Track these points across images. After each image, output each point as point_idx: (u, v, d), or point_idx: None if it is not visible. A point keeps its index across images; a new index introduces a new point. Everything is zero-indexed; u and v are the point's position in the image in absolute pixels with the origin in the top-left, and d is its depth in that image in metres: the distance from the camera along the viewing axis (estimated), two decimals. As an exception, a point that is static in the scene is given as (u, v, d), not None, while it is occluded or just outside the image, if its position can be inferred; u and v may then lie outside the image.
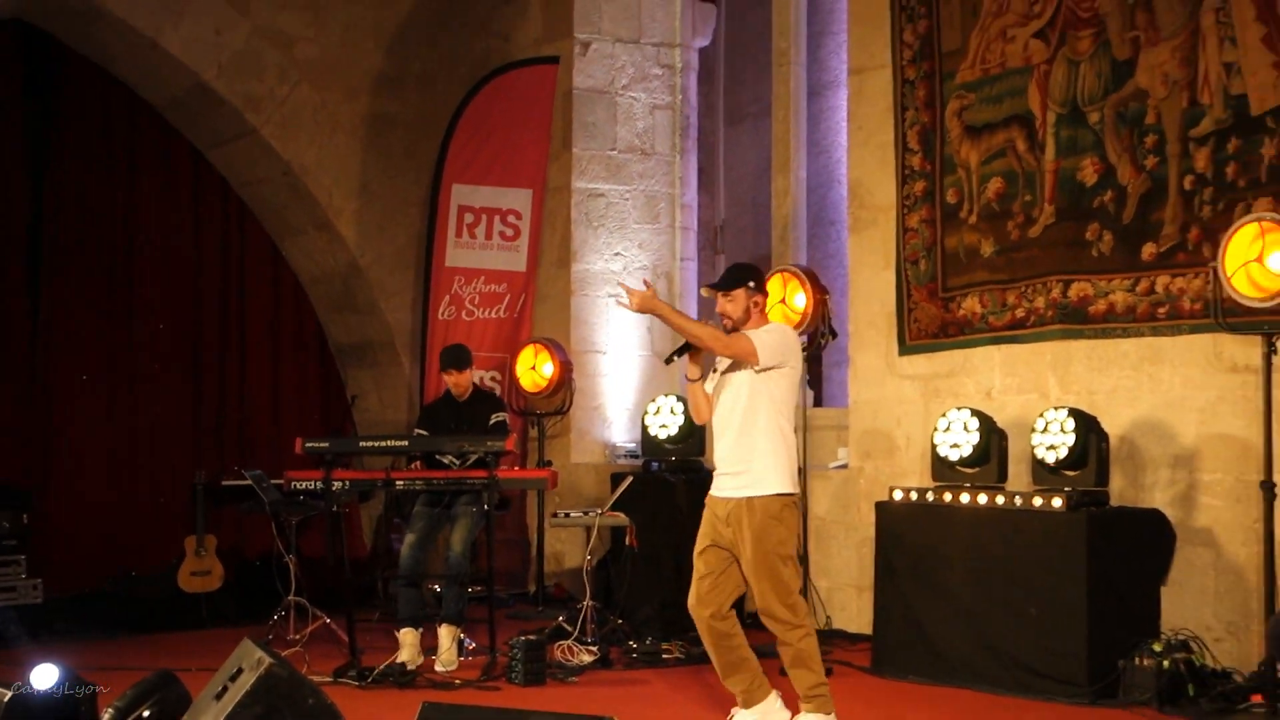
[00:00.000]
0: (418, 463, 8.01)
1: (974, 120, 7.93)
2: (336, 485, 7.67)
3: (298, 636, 8.13)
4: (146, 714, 4.97)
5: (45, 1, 10.03)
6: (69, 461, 10.41)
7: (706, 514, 5.97)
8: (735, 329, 5.82)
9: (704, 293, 6.20)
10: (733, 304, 5.85)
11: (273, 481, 8.40)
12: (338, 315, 11.57)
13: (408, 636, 7.58)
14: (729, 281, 5.92)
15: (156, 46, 10.34)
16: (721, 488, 5.88)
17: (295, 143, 10.93)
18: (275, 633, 8.17)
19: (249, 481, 8.62)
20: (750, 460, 5.75)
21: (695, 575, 5.98)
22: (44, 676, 5.53)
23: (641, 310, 5.86)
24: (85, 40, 10.54)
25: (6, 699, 5.67)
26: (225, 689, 5.29)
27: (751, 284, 5.90)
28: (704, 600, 5.90)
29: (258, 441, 10.97)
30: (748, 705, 5.90)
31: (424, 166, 11.21)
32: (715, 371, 5.99)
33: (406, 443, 7.90)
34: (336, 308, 11.54)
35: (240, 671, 5.32)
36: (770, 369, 5.72)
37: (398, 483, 7.67)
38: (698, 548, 5.99)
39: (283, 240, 11.53)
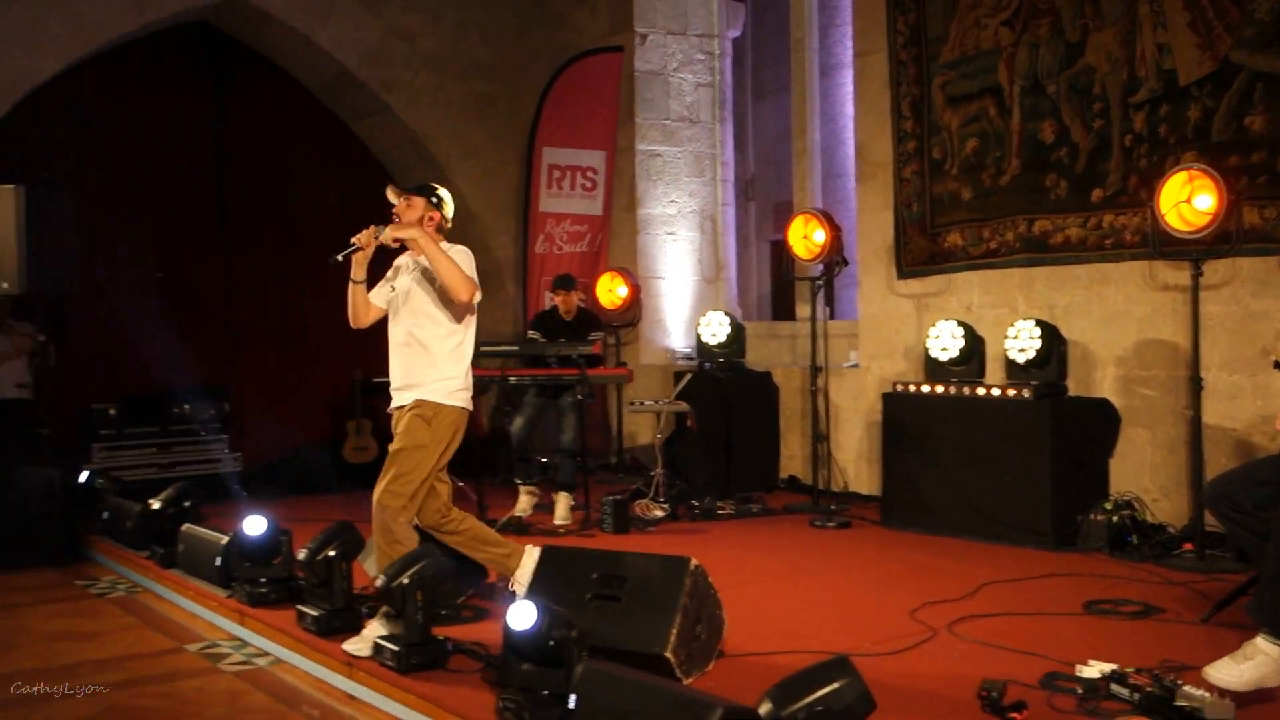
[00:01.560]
0: (536, 333, 8.00)
1: (954, 92, 7.77)
2: (466, 381, 7.69)
3: (437, 496, 8.20)
4: (332, 553, 5.01)
5: (225, 8, 9.94)
6: (258, 364, 10.49)
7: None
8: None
9: (389, 195, 4.92)
10: (411, 210, 4.76)
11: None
12: (455, 250, 11.54)
13: (524, 495, 7.63)
14: (415, 189, 4.88)
15: (311, 42, 10.25)
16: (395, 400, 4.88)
17: (419, 116, 10.84)
18: (419, 494, 8.23)
19: (396, 379, 8.62)
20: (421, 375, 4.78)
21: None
22: (254, 524, 5.64)
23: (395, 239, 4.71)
24: (256, 38, 10.46)
25: (225, 541, 5.78)
26: (391, 536, 5.36)
27: (434, 200, 4.84)
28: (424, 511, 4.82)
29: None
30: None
31: (519, 134, 11.11)
32: (386, 282, 4.94)
33: (517, 348, 7.86)
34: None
35: (402, 523, 5.38)
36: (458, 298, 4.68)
37: (511, 379, 7.69)
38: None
39: (412, 193, 11.47)
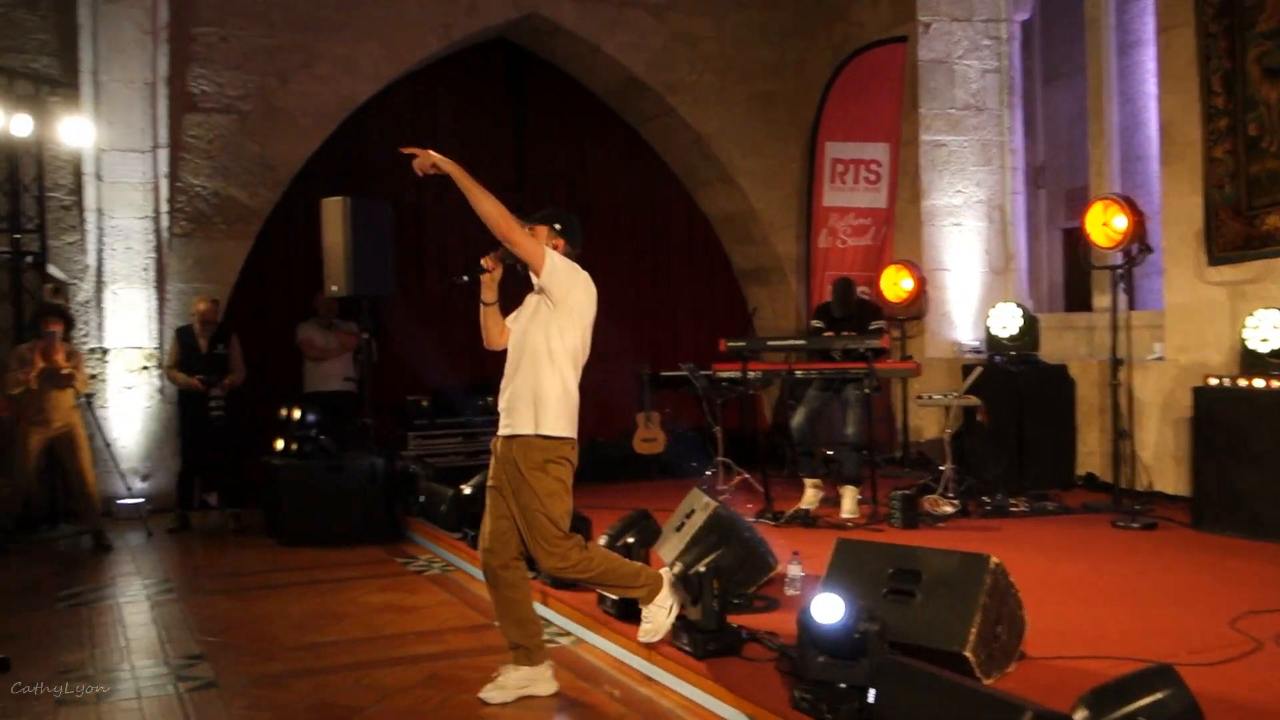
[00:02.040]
0: (819, 322, 7.89)
1: (1273, 63, 7.11)
2: (752, 374, 7.73)
3: (725, 488, 8.28)
4: (630, 539, 5.12)
5: (520, 23, 10.39)
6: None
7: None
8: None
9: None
10: (534, 236, 4.32)
11: (701, 372, 8.52)
12: (739, 246, 11.60)
13: (810, 488, 7.57)
14: (539, 217, 4.42)
15: (599, 50, 10.56)
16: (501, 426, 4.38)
17: (703, 117, 10.96)
18: (708, 485, 8.32)
19: (683, 372, 8.77)
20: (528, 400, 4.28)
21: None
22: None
23: (425, 168, 4.32)
24: (548, 49, 10.87)
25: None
26: (682, 524, 5.43)
27: (557, 225, 4.41)
28: (493, 550, 4.36)
29: (683, 342, 11.17)
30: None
31: (801, 130, 11.05)
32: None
33: (804, 341, 7.79)
34: (738, 241, 11.57)
35: (693, 512, 5.44)
36: (555, 301, 4.27)
37: (797, 372, 7.64)
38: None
39: (695, 191, 11.62)
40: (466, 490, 7.02)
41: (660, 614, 4.41)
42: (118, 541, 7.79)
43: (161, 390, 8.88)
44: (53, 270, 8.72)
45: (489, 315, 4.45)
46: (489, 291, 4.43)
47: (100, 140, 8.71)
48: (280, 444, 7.99)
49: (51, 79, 8.73)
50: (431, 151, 4.27)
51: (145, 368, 8.90)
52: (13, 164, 8.54)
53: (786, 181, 11.19)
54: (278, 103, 9.42)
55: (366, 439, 8.21)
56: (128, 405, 8.85)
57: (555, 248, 4.35)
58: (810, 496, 7.53)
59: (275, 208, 9.50)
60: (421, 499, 7.75)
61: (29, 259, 8.59)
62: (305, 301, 9.33)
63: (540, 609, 5.54)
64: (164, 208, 8.97)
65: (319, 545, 7.50)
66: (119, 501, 8.46)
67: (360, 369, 8.63)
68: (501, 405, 4.36)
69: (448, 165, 4.22)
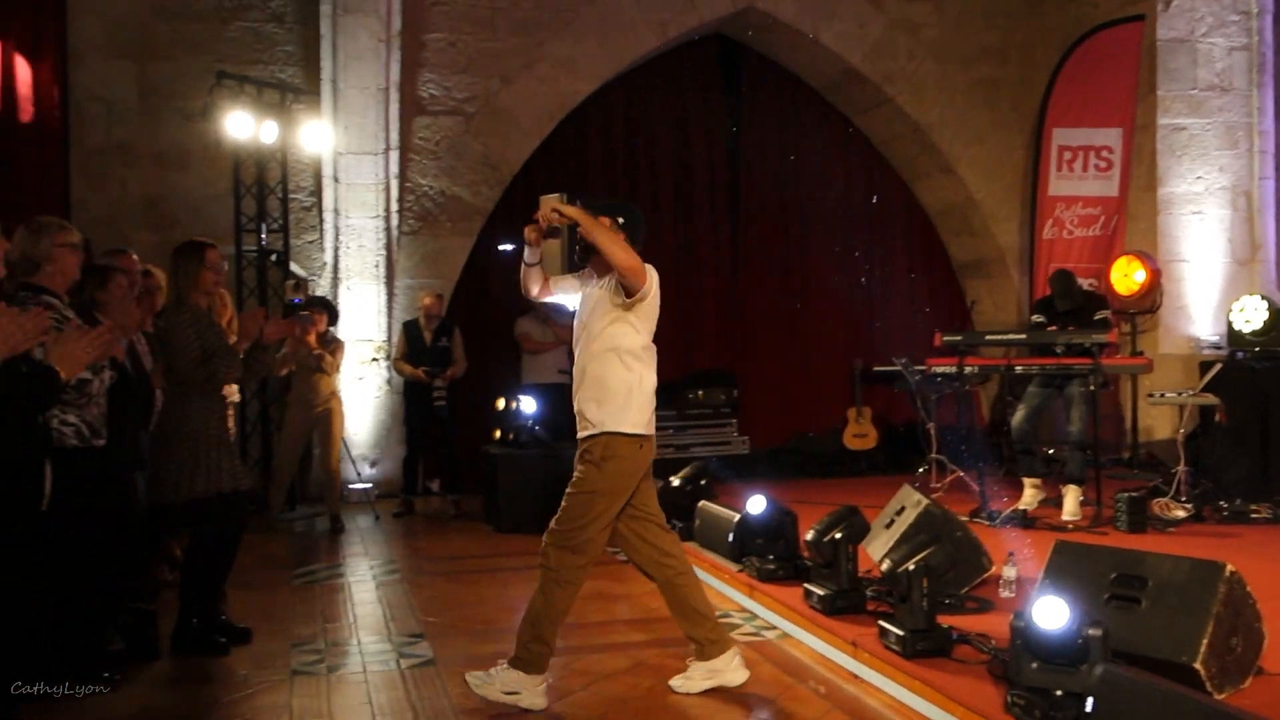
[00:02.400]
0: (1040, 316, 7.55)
1: None
2: (968, 369, 7.47)
3: (938, 485, 8.05)
4: (838, 535, 5.04)
5: (737, 18, 10.37)
6: (761, 352, 10.86)
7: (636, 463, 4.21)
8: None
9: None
10: (600, 223, 4.15)
11: (915, 367, 8.30)
12: (956, 238, 11.24)
13: (1029, 488, 7.27)
14: (603, 207, 4.26)
15: (816, 42, 10.43)
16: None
17: (922, 106, 10.68)
18: (920, 482, 8.10)
19: (897, 367, 8.56)
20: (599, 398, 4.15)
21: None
22: (756, 504, 5.82)
23: (548, 217, 4.15)
24: (763, 43, 10.82)
25: (736, 518, 6.01)
26: (892, 521, 5.31)
27: (620, 219, 4.21)
28: (632, 557, 4.41)
29: (896, 336, 10.91)
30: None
31: (1026, 117, 10.62)
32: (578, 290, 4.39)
33: (1024, 336, 7.46)
34: (956, 232, 11.22)
35: (903, 509, 5.32)
36: (633, 304, 4.13)
37: (1017, 368, 7.34)
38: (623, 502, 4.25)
39: (913, 183, 11.33)
40: (675, 481, 7.07)
41: (701, 677, 4.23)
42: (349, 524, 8.23)
43: (389, 381, 9.32)
44: (294, 267, 9.29)
45: (530, 274, 4.40)
46: (532, 254, 4.33)
47: (338, 144, 9.22)
48: (498, 434, 8.24)
49: (295, 87, 9.30)
50: (552, 199, 4.17)
51: (374, 360, 9.37)
52: (260, 168, 9.15)
53: (1009, 170, 10.78)
54: (500, 104, 9.74)
55: (580, 430, 8.38)
56: (359, 395, 9.33)
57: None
58: (1029, 497, 7.23)
59: (496, 205, 9.82)
60: (633, 489, 7.84)
61: (273, 257, 9.18)
62: (521, 295, 9.58)
63: (746, 602, 5.55)
64: (394, 207, 9.42)
65: (533, 532, 7.65)
66: (350, 486, 8.94)
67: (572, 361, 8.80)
68: (576, 408, 4.23)
69: (571, 211, 4.12)
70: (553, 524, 4.16)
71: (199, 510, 4.74)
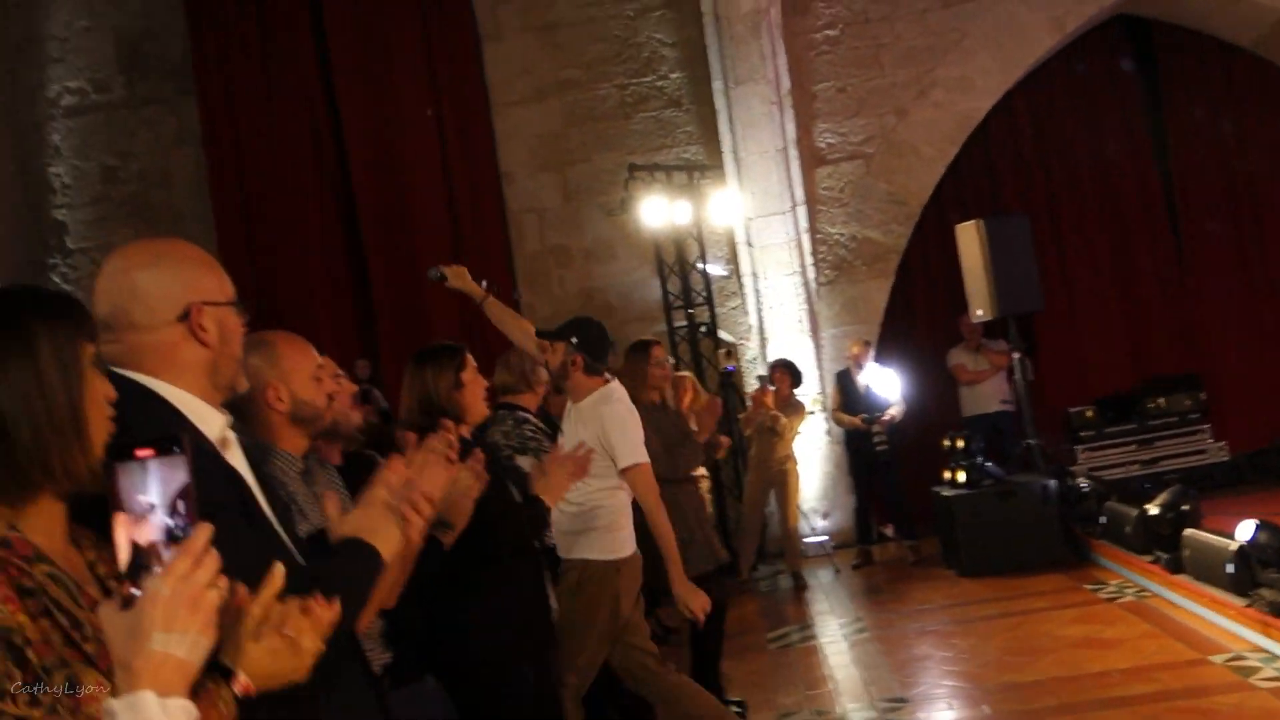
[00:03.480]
0: None
1: None
2: None
3: None
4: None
5: (1140, -6, 9.60)
6: (1226, 350, 9.82)
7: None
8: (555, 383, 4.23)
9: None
10: (552, 354, 4.06)
11: None
12: None
13: None
14: (555, 332, 4.12)
15: (1238, -1, 9.38)
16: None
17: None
18: None
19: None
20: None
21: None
22: (1244, 530, 5.23)
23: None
24: (1173, 12, 9.90)
25: (1234, 546, 5.41)
26: None
27: (574, 340, 4.04)
28: None
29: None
30: None
31: None
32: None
33: None
34: None
35: None
36: None
37: None
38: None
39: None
40: (1153, 510, 6.50)
41: None
42: (810, 579, 8.28)
43: (829, 431, 9.34)
44: (723, 334, 9.59)
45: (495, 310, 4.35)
46: (477, 289, 4.32)
47: (747, 209, 9.45)
48: (948, 474, 8.01)
49: (700, 164, 9.66)
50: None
51: (811, 413, 9.44)
52: (679, 246, 9.57)
53: None
54: (898, 138, 9.58)
55: (1033, 459, 7.97)
56: (802, 448, 9.42)
57: (574, 364, 4.05)
58: None
59: (909, 240, 9.64)
60: (1103, 520, 7.32)
61: (702, 329, 9.54)
62: (949, 327, 9.35)
63: (1261, 640, 4.96)
64: (808, 260, 9.48)
65: (998, 574, 7.37)
66: (805, 540, 9.01)
67: (1016, 388, 8.44)
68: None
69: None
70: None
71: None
